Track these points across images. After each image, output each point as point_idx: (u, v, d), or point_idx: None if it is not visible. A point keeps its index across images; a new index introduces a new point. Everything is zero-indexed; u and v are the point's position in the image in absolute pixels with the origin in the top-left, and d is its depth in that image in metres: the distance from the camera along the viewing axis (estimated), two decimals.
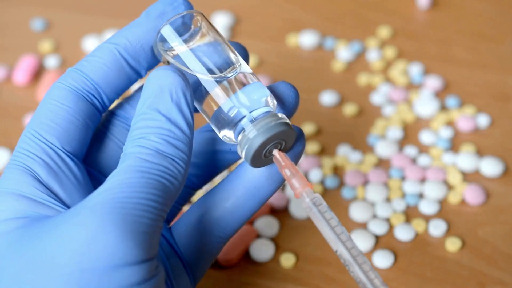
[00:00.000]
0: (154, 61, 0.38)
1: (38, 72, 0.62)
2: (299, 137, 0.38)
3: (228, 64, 0.37)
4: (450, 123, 0.56)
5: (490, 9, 0.65)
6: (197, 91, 0.37)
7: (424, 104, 0.57)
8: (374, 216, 0.50)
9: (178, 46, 0.37)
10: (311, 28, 0.64)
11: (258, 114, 0.36)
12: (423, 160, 0.53)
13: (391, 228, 0.50)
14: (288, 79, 0.60)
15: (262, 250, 0.48)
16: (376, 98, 0.58)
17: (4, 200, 0.35)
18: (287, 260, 0.48)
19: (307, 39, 0.63)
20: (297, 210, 0.50)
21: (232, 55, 0.37)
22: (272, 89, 0.38)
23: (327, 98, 0.58)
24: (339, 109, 0.58)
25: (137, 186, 0.33)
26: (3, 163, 0.54)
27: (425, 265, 0.48)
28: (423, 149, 0.55)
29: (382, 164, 0.54)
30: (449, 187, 0.52)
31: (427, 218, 0.50)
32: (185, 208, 0.47)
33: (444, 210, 0.51)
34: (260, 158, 0.36)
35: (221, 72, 0.36)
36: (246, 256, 0.48)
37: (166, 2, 0.38)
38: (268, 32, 0.65)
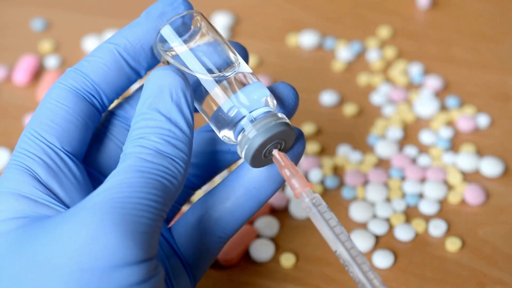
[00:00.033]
0: (153, 61, 0.38)
1: (38, 72, 0.62)
2: (299, 138, 0.38)
3: (228, 64, 0.37)
4: (450, 123, 0.56)
5: (490, 9, 0.65)
6: (197, 91, 0.37)
7: (424, 104, 0.57)
8: (374, 216, 0.50)
9: (177, 46, 0.37)
10: (311, 28, 0.64)
11: (258, 114, 0.36)
12: (423, 160, 0.53)
13: (391, 228, 0.50)
14: (288, 79, 0.60)
15: (262, 250, 0.48)
16: (376, 98, 0.58)
17: (4, 200, 0.35)
18: (287, 260, 0.48)
19: (307, 39, 0.63)
20: (297, 210, 0.50)
21: (231, 55, 0.37)
22: (271, 90, 0.38)
23: (327, 98, 0.58)
24: (339, 109, 0.58)
25: (137, 186, 0.33)
26: (3, 163, 0.54)
27: (425, 265, 0.48)
28: (423, 149, 0.55)
29: (382, 164, 0.54)
30: (449, 187, 0.52)
31: (427, 218, 0.50)
32: (185, 208, 0.47)
33: (444, 210, 0.51)
34: (260, 158, 0.36)
35: (220, 71, 0.36)
36: (246, 256, 0.48)
37: (166, 2, 0.38)
38: (268, 32, 0.65)
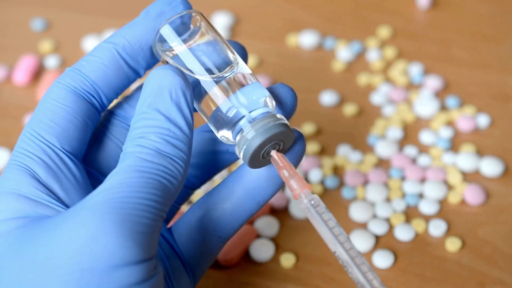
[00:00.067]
0: (152, 60, 0.38)
1: (38, 72, 0.62)
2: (300, 140, 0.38)
3: (227, 64, 0.37)
4: (450, 123, 0.56)
5: (490, 9, 0.65)
6: (195, 91, 0.37)
7: (424, 104, 0.57)
8: (374, 216, 0.50)
9: (177, 46, 0.37)
10: (311, 28, 0.64)
11: (257, 115, 0.36)
12: (423, 160, 0.53)
13: (391, 228, 0.50)
14: (288, 79, 0.60)
15: (262, 250, 0.48)
16: (376, 98, 0.58)
17: (4, 200, 0.35)
18: (287, 260, 0.48)
19: (307, 39, 0.63)
20: (297, 210, 0.50)
21: (230, 55, 0.37)
22: (270, 91, 0.38)
23: (327, 98, 0.58)
24: (339, 109, 0.58)
25: (136, 185, 0.33)
26: (3, 163, 0.54)
27: (425, 265, 0.48)
28: (423, 149, 0.55)
29: (382, 164, 0.54)
30: (449, 187, 0.52)
31: (427, 218, 0.50)
32: (184, 207, 0.48)
33: (444, 210, 0.51)
34: (258, 159, 0.36)
35: (219, 71, 0.36)
36: (246, 256, 0.48)
37: (164, 2, 0.38)
38: (268, 32, 0.65)
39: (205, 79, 0.36)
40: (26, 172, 0.35)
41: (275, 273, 0.48)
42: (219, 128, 0.36)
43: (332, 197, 0.52)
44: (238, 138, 0.36)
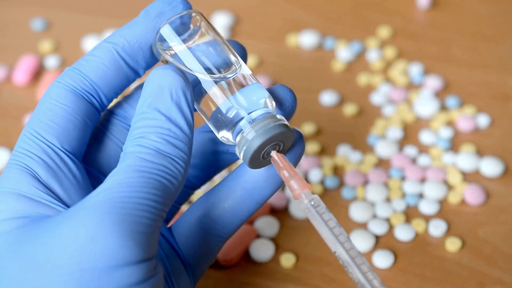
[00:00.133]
0: (152, 60, 0.38)
1: (38, 72, 0.62)
2: (299, 140, 0.38)
3: (228, 65, 0.37)
4: (450, 123, 0.56)
5: (490, 9, 0.65)
6: (195, 91, 0.37)
7: (424, 104, 0.57)
8: (374, 216, 0.50)
9: (177, 45, 0.37)
10: (311, 28, 0.64)
11: (257, 116, 0.36)
12: (423, 160, 0.53)
13: (391, 228, 0.50)
14: (288, 79, 0.60)
15: (262, 250, 0.48)
16: (376, 98, 0.58)
17: (4, 200, 0.35)
18: (287, 260, 0.48)
19: (307, 39, 0.63)
20: (297, 210, 0.50)
21: (231, 56, 0.37)
22: (269, 92, 0.38)
23: (327, 98, 0.58)
24: (339, 109, 0.58)
25: (136, 185, 0.33)
26: (3, 163, 0.54)
27: (425, 265, 0.48)
28: (423, 149, 0.55)
29: (382, 164, 0.54)
30: (449, 187, 0.52)
31: (427, 218, 0.50)
32: (184, 207, 0.48)
33: (444, 210, 0.51)
34: (258, 159, 0.36)
35: (220, 72, 0.36)
36: (246, 256, 0.48)
37: (164, 1, 0.38)
38: (268, 32, 0.65)
39: (205, 79, 0.36)
40: (26, 172, 0.35)
41: (275, 273, 0.48)
42: (219, 128, 0.36)
43: (332, 197, 0.52)
44: (238, 138, 0.36)
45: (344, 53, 0.62)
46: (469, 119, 0.56)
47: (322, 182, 0.52)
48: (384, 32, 0.63)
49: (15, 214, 0.34)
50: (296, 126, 0.56)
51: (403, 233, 0.49)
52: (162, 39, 0.37)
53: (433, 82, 0.59)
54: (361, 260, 0.34)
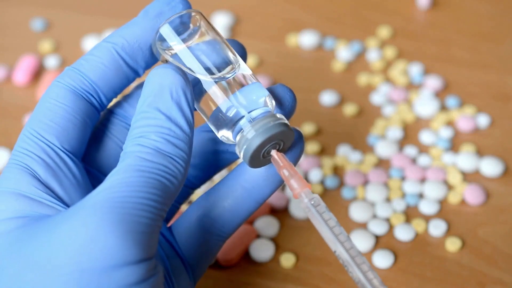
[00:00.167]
0: (152, 60, 0.38)
1: (38, 72, 0.62)
2: (298, 139, 0.38)
3: (227, 64, 0.37)
4: (450, 123, 0.56)
5: (490, 9, 0.65)
6: (195, 90, 0.37)
7: (424, 104, 0.57)
8: (374, 216, 0.50)
9: (177, 45, 0.37)
10: (311, 28, 0.64)
11: (257, 115, 0.36)
12: (423, 160, 0.53)
13: (391, 228, 0.50)
14: (288, 79, 0.60)
15: (262, 250, 0.48)
16: (376, 98, 0.58)
17: (4, 199, 0.35)
18: (287, 260, 0.48)
19: (307, 39, 0.63)
20: (297, 210, 0.50)
21: (231, 55, 0.37)
22: (269, 92, 0.38)
23: (327, 98, 0.58)
24: (339, 109, 0.58)
25: (136, 185, 0.33)
26: (3, 163, 0.54)
27: (425, 265, 0.48)
28: (423, 149, 0.55)
29: (382, 164, 0.54)
30: (449, 187, 0.52)
31: (427, 218, 0.50)
32: (183, 207, 0.47)
33: (444, 210, 0.51)
34: (258, 158, 0.36)
35: (219, 72, 0.36)
36: (246, 256, 0.48)
37: (164, 1, 0.38)
38: (268, 32, 0.65)
39: (205, 79, 0.36)
40: (26, 172, 0.35)
41: (275, 273, 0.48)
42: (219, 127, 0.36)
43: (332, 197, 0.52)
44: (238, 138, 0.36)
45: (344, 53, 0.62)
46: (469, 119, 0.56)
47: (322, 182, 0.52)
48: (384, 32, 0.63)
49: (15, 214, 0.34)
50: (296, 126, 0.56)
51: (403, 233, 0.49)
52: (162, 39, 0.37)
53: (433, 82, 0.59)
54: (361, 259, 0.34)
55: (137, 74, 0.38)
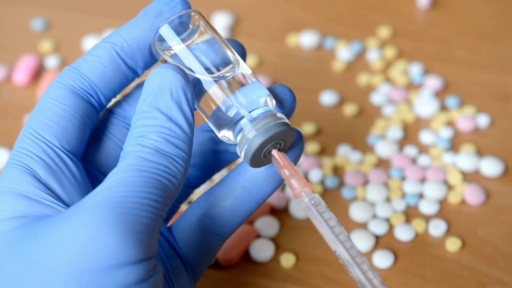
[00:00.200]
0: (151, 60, 0.38)
1: (38, 72, 0.62)
2: (298, 140, 0.38)
3: (227, 64, 0.37)
4: (450, 123, 0.56)
5: (490, 9, 0.65)
6: (195, 90, 0.37)
7: (424, 104, 0.57)
8: (374, 216, 0.50)
9: (176, 45, 0.37)
10: (311, 28, 0.64)
11: (257, 114, 0.36)
12: (423, 160, 0.53)
13: (391, 228, 0.50)
14: (288, 79, 0.60)
15: (262, 250, 0.48)
16: (376, 98, 0.58)
17: (3, 199, 0.35)
18: (287, 260, 0.48)
19: (307, 39, 0.63)
20: (297, 210, 0.50)
21: (230, 55, 0.37)
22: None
23: (327, 98, 0.58)
24: (339, 109, 0.58)
25: (136, 185, 0.33)
26: (3, 163, 0.54)
27: (425, 265, 0.48)
28: (423, 149, 0.55)
29: (382, 164, 0.54)
30: (449, 187, 0.52)
31: (427, 218, 0.50)
32: (183, 206, 0.47)
33: (444, 210, 0.51)
34: (259, 158, 0.36)
35: (219, 71, 0.36)
36: (246, 256, 0.48)
37: (163, 1, 0.38)
38: (268, 32, 0.65)
39: (204, 78, 0.36)
40: (26, 171, 0.35)
41: (275, 273, 0.48)
42: (220, 127, 0.36)
43: (332, 197, 0.52)
44: (239, 137, 0.36)
45: (344, 53, 0.62)
46: (469, 119, 0.56)
47: (322, 182, 0.52)
48: (384, 32, 0.63)
49: (15, 214, 0.34)
50: (296, 126, 0.56)
51: (403, 233, 0.49)
52: (161, 39, 0.37)
53: (433, 82, 0.59)
54: (361, 259, 0.34)
55: (136, 74, 0.38)
